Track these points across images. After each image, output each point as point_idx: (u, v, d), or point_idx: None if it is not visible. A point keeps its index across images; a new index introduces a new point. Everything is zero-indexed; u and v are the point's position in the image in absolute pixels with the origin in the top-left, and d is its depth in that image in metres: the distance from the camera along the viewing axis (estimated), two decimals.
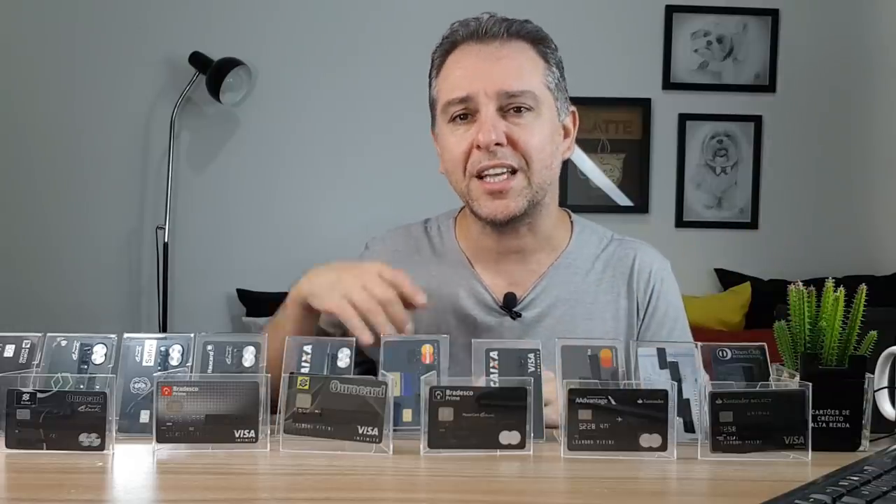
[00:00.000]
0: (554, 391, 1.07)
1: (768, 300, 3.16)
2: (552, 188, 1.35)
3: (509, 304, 1.35)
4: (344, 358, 1.09)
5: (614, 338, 1.31)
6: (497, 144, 1.26)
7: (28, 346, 1.10)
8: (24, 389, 0.98)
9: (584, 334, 1.32)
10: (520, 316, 1.34)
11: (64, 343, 1.10)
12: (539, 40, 1.32)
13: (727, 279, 3.49)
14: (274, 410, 1.00)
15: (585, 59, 3.39)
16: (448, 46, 1.33)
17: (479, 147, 1.27)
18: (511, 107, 1.28)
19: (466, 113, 1.29)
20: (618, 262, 1.40)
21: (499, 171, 1.28)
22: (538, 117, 1.29)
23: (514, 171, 1.28)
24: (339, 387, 0.99)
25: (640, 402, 0.98)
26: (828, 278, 1.06)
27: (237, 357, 1.09)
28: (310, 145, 3.47)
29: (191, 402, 0.98)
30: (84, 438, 0.97)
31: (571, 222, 1.44)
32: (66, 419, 0.97)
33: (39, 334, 1.11)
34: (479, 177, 1.29)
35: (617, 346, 1.11)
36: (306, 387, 0.99)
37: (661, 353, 1.09)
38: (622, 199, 3.54)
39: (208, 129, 3.47)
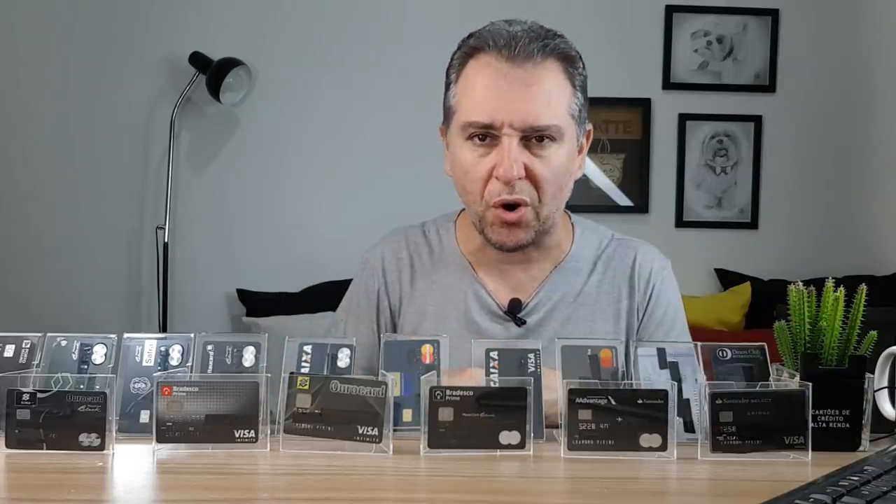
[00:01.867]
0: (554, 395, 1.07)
1: (768, 300, 3.16)
2: (560, 209, 1.34)
3: (514, 311, 1.34)
4: (344, 358, 1.09)
5: (616, 338, 1.32)
6: (518, 179, 1.25)
7: (28, 346, 1.10)
8: (24, 389, 0.98)
9: (587, 336, 1.31)
10: (524, 323, 1.34)
11: (64, 343, 1.10)
12: (569, 60, 1.28)
13: (727, 279, 3.49)
14: None
15: (585, 59, 3.39)
16: (471, 51, 1.28)
17: (497, 178, 1.25)
18: (534, 135, 1.25)
19: (486, 135, 1.26)
20: (619, 263, 1.39)
21: (514, 207, 1.27)
22: (559, 149, 1.27)
23: (526, 205, 1.27)
24: (339, 387, 0.99)
25: (640, 402, 0.98)
26: (828, 278, 1.06)
27: (237, 357, 1.09)
28: (310, 145, 3.47)
29: (191, 402, 0.98)
30: (84, 438, 0.97)
31: (572, 224, 1.43)
32: (66, 419, 0.97)
33: (39, 334, 1.11)
34: (494, 206, 1.28)
35: (617, 347, 1.11)
36: (306, 387, 1.00)
37: (661, 353, 1.09)
38: (622, 199, 3.54)
39: (208, 129, 3.47)
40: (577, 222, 1.44)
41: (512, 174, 1.23)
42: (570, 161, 1.31)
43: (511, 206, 1.27)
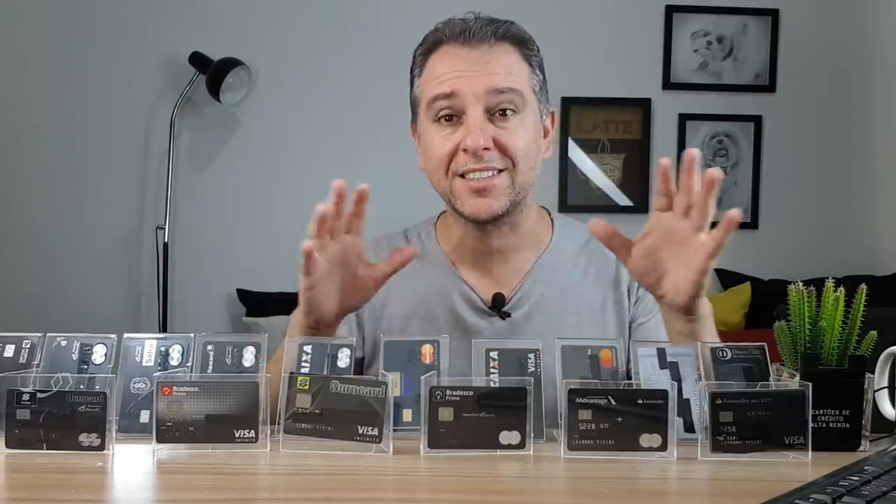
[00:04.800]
0: None
1: (768, 300, 3.16)
2: (533, 188, 1.35)
3: (497, 305, 1.35)
4: (344, 358, 1.09)
5: (604, 332, 1.34)
6: (485, 149, 1.26)
7: (28, 346, 1.10)
8: (24, 389, 0.98)
9: (574, 329, 1.33)
10: (509, 316, 1.35)
11: (64, 343, 1.09)
12: (523, 42, 1.32)
13: (727, 279, 3.49)
14: (273, 420, 1.01)
15: (585, 59, 3.40)
16: (431, 46, 1.33)
17: (465, 150, 1.27)
18: (498, 109, 1.28)
19: (452, 114, 1.29)
20: (601, 256, 1.40)
21: (484, 173, 1.28)
22: (523, 121, 1.30)
23: (499, 171, 1.28)
24: (339, 387, 0.99)
25: (640, 402, 0.98)
26: (828, 278, 1.06)
27: (237, 357, 1.09)
28: (310, 145, 3.47)
29: (191, 402, 0.98)
30: (84, 438, 0.97)
31: (552, 220, 1.45)
32: (66, 419, 0.97)
33: (39, 334, 1.11)
34: (462, 175, 1.29)
35: (617, 346, 1.11)
36: (306, 387, 1.00)
37: (661, 353, 1.09)
38: (622, 199, 3.54)
39: (208, 129, 3.47)
40: (557, 218, 1.46)
41: (479, 143, 1.25)
42: (537, 137, 1.33)
43: (478, 174, 1.28)
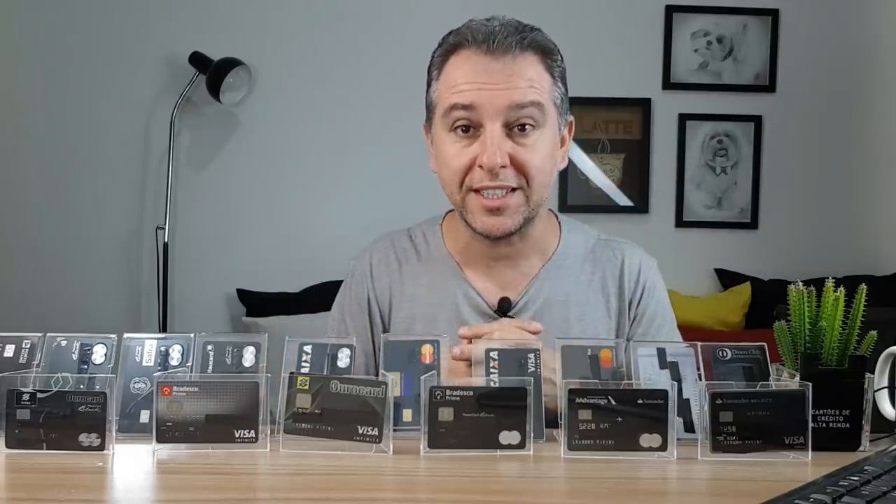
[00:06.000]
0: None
1: (768, 300, 3.16)
2: (547, 198, 1.35)
3: (504, 309, 1.34)
4: (344, 358, 1.09)
5: (607, 338, 1.32)
6: (501, 167, 1.24)
7: (28, 346, 1.10)
8: (24, 389, 0.98)
9: (579, 335, 1.32)
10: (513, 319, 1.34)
11: (64, 343, 1.10)
12: (547, 52, 1.29)
13: (727, 279, 3.49)
14: None
15: (585, 59, 3.38)
16: (450, 48, 1.29)
17: (481, 166, 1.25)
18: (517, 124, 1.25)
19: (469, 125, 1.26)
20: (607, 263, 1.40)
21: (499, 191, 1.27)
22: (542, 135, 1.27)
23: (513, 189, 1.27)
24: (339, 387, 0.99)
25: (640, 402, 0.98)
26: (828, 278, 1.06)
27: (237, 357, 1.09)
28: (310, 145, 3.47)
29: (191, 402, 0.98)
30: (84, 438, 0.97)
31: (559, 223, 1.44)
32: (66, 419, 0.97)
33: (39, 334, 1.11)
34: (477, 190, 1.28)
35: (617, 346, 1.11)
36: (306, 387, 1.00)
37: (661, 353, 1.09)
38: (622, 199, 3.54)
39: (208, 129, 3.47)
40: (564, 221, 1.45)
41: (495, 161, 1.23)
42: (554, 150, 1.31)
43: (492, 192, 1.26)
